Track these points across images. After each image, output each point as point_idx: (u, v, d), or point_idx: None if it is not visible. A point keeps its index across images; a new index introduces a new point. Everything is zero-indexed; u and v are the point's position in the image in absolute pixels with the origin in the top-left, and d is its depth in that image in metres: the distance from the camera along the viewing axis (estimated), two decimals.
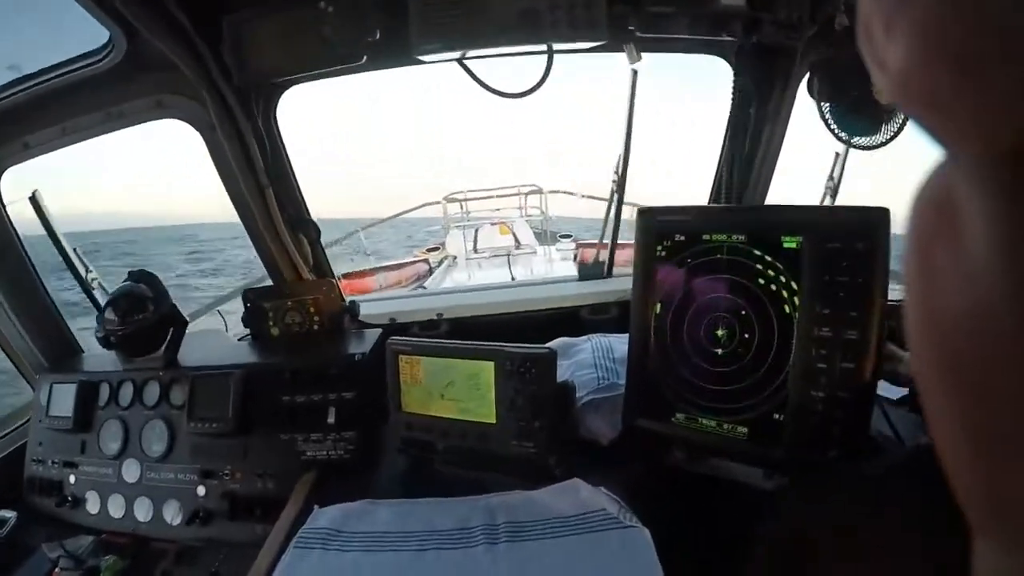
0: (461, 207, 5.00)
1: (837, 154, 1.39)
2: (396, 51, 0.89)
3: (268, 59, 0.93)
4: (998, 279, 0.13)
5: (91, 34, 1.07)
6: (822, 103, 1.15)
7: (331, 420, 0.99)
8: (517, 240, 4.79)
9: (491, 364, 0.88)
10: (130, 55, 1.03)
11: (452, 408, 0.91)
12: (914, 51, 0.14)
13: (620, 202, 1.61)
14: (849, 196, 1.44)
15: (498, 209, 5.32)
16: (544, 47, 0.92)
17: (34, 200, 1.23)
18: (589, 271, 1.61)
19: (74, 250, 1.31)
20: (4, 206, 1.25)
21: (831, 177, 1.40)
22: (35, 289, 1.30)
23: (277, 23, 0.91)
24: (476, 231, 4.82)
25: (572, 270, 4.15)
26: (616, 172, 1.50)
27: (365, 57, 0.91)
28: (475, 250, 4.58)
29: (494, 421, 0.89)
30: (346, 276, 3.89)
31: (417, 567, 0.76)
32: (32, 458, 1.18)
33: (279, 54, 0.92)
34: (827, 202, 1.40)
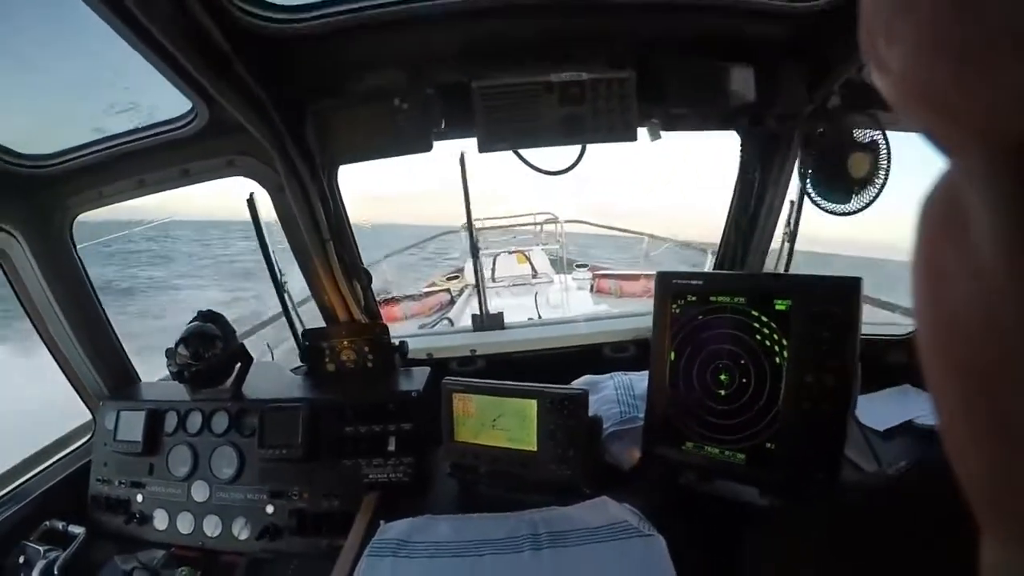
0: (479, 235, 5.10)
1: (792, 202, 1.51)
2: (459, 135, 1.05)
3: (347, 144, 1.09)
4: (1005, 280, 0.13)
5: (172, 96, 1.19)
6: (805, 173, 1.34)
7: (391, 448, 1.14)
8: (534, 269, 4.87)
9: (535, 402, 1.05)
10: (211, 124, 1.16)
11: (501, 438, 1.07)
12: (915, 53, 0.14)
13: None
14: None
15: (515, 236, 5.40)
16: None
17: (250, 202, 1.30)
18: None
19: (273, 253, 1.39)
20: (75, 246, 1.36)
21: (788, 223, 1.55)
22: (100, 321, 1.41)
23: (357, 115, 1.06)
24: (494, 260, 4.88)
25: (588, 300, 4.25)
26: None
27: (432, 144, 1.07)
28: (493, 279, 4.65)
29: (535, 449, 1.06)
30: None
31: (477, 570, 0.92)
32: (97, 478, 1.29)
33: (357, 139, 1.08)
34: (785, 247, 1.51)
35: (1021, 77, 0.12)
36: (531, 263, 4.92)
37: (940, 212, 0.15)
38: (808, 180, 1.33)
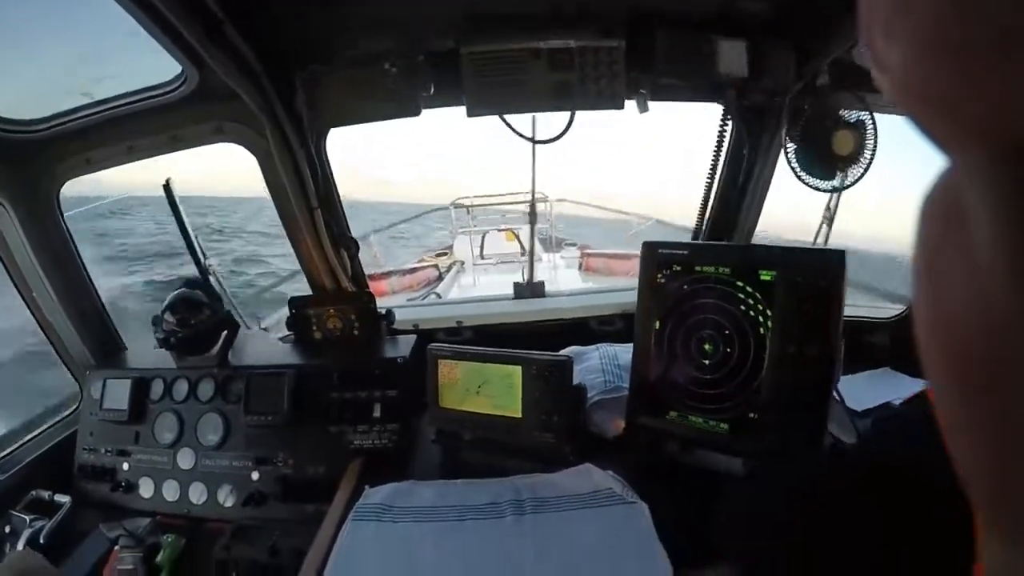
0: (468, 212, 5.05)
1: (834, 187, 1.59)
2: (446, 102, 1.05)
3: (337, 109, 1.08)
4: (1004, 278, 0.13)
5: (159, 64, 1.19)
6: (789, 147, 1.34)
7: (376, 414, 1.15)
8: (523, 247, 4.84)
9: (519, 368, 1.05)
10: (200, 89, 1.15)
11: (486, 404, 1.08)
12: (915, 52, 0.14)
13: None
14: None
15: (504, 215, 5.41)
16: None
17: (167, 187, 1.30)
18: None
19: (196, 236, 1.40)
20: (62, 214, 1.35)
21: (828, 207, 1.59)
22: (87, 290, 1.40)
23: (346, 79, 1.06)
24: (483, 237, 4.90)
25: (576, 278, 4.29)
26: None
27: (421, 109, 1.07)
28: (482, 256, 4.69)
29: (520, 415, 1.07)
30: None
31: (458, 534, 0.93)
32: (83, 447, 1.28)
33: (347, 103, 1.07)
34: (824, 229, 1.57)
35: (1021, 77, 0.12)
36: (520, 241, 4.92)
37: (940, 211, 0.15)
38: (792, 154, 1.34)
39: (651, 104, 1.17)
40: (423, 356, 1.15)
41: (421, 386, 1.15)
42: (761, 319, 1.00)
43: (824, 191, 1.37)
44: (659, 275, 1.08)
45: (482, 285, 4.08)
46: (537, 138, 1.15)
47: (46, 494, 1.18)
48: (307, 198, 1.26)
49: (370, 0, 0.98)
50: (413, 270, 4.68)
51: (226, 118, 1.24)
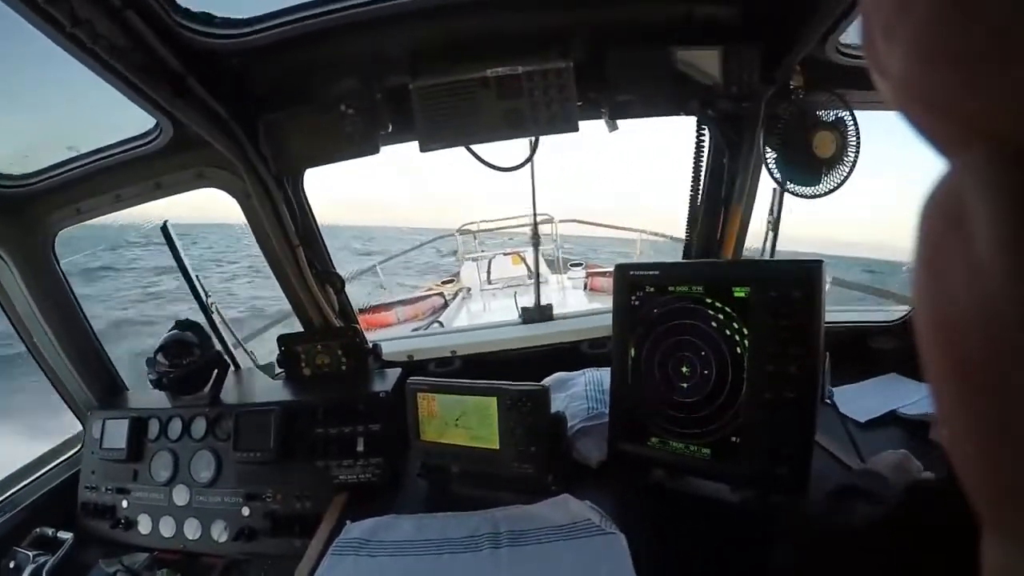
0: (474, 238, 5.07)
1: (774, 190, 1.50)
2: (405, 137, 1.06)
3: (298, 151, 1.11)
4: (1005, 281, 0.13)
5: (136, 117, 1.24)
6: (768, 155, 1.30)
7: (360, 448, 1.16)
8: (529, 270, 4.74)
9: (494, 399, 1.05)
10: (176, 138, 1.20)
11: (464, 436, 1.08)
12: (914, 55, 0.14)
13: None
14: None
15: (511, 238, 5.38)
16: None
17: (165, 230, 1.35)
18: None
19: (197, 277, 1.44)
20: (58, 261, 1.41)
21: (771, 211, 1.53)
22: (85, 333, 1.45)
23: (306, 123, 1.08)
24: (490, 262, 4.89)
25: (583, 298, 4.23)
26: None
27: (380, 147, 1.08)
28: (489, 281, 4.68)
29: (497, 447, 1.06)
30: (367, 311, 4.04)
31: (434, 568, 0.92)
32: (86, 485, 1.33)
33: (308, 147, 1.10)
34: (769, 236, 1.51)
35: (1020, 78, 0.12)
36: (526, 264, 4.85)
37: (941, 212, 0.15)
38: (773, 163, 1.30)
39: (620, 123, 1.15)
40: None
41: (405, 419, 1.16)
42: (738, 338, 0.98)
43: (811, 198, 1.32)
44: (632, 297, 1.06)
45: (493, 311, 4.04)
46: (501, 165, 1.15)
47: (50, 531, 1.22)
48: (288, 237, 1.28)
49: (323, 45, 1.00)
50: (419, 299, 4.68)
51: (205, 164, 1.27)
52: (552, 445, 1.05)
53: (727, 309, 0.98)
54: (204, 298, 1.47)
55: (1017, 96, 0.12)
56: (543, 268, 4.96)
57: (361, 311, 4.07)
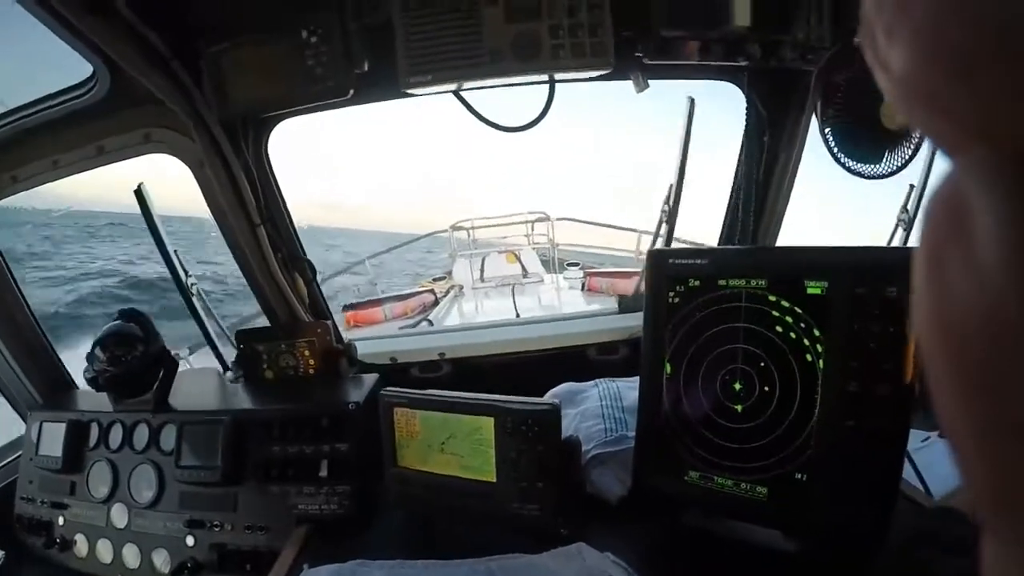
0: (468, 235, 4.93)
1: (912, 185, 1.30)
2: (386, 84, 0.84)
3: (250, 92, 0.87)
4: (1009, 281, 0.13)
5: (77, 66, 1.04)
6: (826, 126, 1.08)
7: (323, 473, 0.94)
8: (524, 269, 4.72)
9: (491, 420, 0.82)
10: (115, 88, 1.00)
11: (452, 464, 0.85)
12: (915, 53, 0.14)
13: (670, 233, 1.46)
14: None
15: (505, 237, 5.27)
16: (545, 77, 0.86)
17: (139, 193, 1.15)
18: (629, 304, 1.50)
19: (175, 252, 1.24)
20: None
21: (904, 209, 1.31)
22: (29, 324, 1.28)
23: (259, 55, 0.85)
24: (483, 260, 4.75)
25: (580, 299, 4.07)
26: (667, 203, 1.38)
27: (352, 91, 0.85)
28: (482, 279, 4.53)
29: (494, 480, 0.83)
30: (353, 307, 3.90)
31: None
32: (22, 496, 1.16)
33: (261, 87, 0.87)
34: (899, 235, 1.31)
35: (1015, 76, 0.12)
36: (521, 263, 4.76)
37: (944, 211, 0.15)
38: (830, 134, 1.07)
39: (652, 83, 0.92)
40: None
41: (380, 437, 0.94)
42: (809, 344, 0.74)
43: (870, 178, 1.10)
44: (671, 294, 0.83)
45: (486, 310, 3.86)
46: (507, 125, 0.91)
47: None
48: (247, 213, 1.06)
49: None
50: (409, 296, 4.45)
51: (153, 124, 1.07)
52: (564, 480, 0.83)
53: (797, 309, 0.75)
54: (183, 277, 1.26)
55: (1017, 96, 0.12)
56: (538, 267, 4.83)
57: (347, 307, 3.91)
